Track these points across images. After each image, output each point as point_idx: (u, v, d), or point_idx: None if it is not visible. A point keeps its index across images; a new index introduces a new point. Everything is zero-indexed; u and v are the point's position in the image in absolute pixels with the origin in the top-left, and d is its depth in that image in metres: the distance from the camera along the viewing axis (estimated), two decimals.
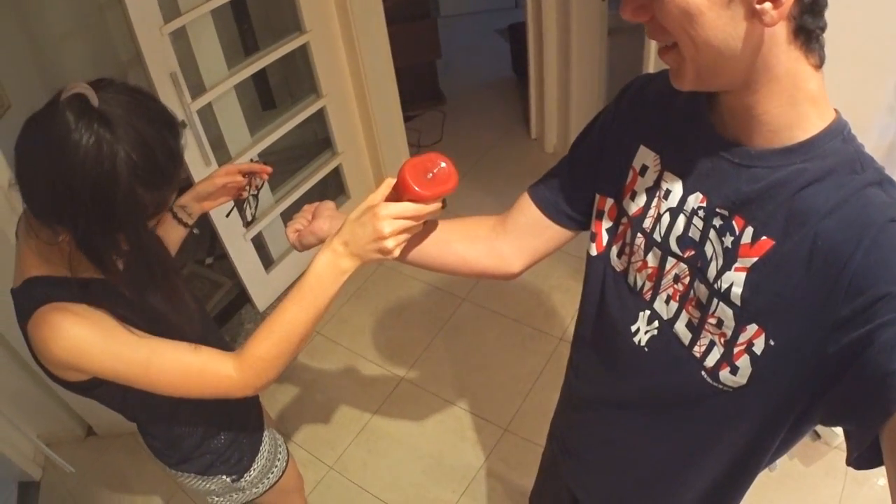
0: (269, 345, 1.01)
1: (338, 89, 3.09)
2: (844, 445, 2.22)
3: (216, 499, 1.46)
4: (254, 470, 1.44)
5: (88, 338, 0.96)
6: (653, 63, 2.46)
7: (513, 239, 1.06)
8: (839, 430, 2.01)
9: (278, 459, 1.53)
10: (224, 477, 1.40)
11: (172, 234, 1.37)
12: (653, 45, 2.38)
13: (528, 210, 1.04)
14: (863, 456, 0.64)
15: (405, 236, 0.94)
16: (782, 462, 2.09)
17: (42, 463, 2.50)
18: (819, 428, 2.12)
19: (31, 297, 0.98)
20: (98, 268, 0.97)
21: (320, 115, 3.11)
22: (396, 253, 0.94)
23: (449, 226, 1.09)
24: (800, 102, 0.68)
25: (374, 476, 2.32)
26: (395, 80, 3.32)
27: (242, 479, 1.43)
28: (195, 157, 2.44)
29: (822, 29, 0.65)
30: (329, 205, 1.22)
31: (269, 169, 1.38)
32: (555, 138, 3.74)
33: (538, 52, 3.51)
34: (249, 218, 1.41)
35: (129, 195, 0.90)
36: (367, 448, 2.41)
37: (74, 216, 0.90)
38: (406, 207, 0.91)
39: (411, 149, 3.78)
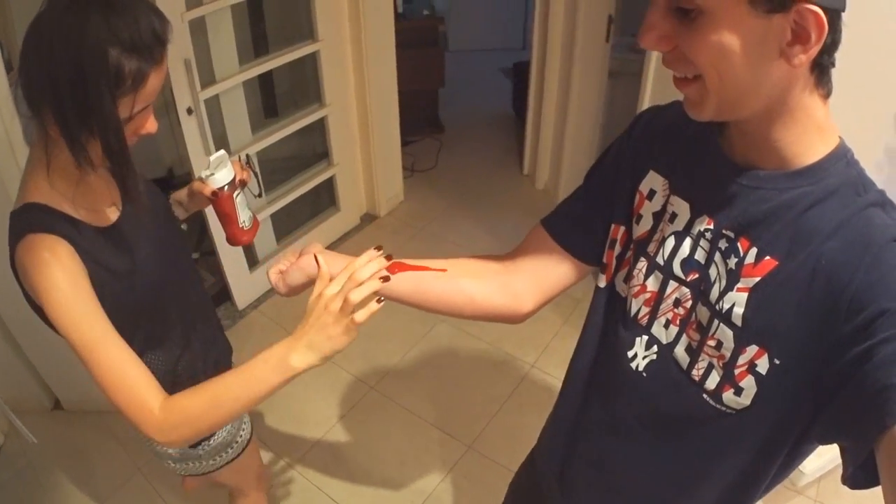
0: (198, 400, 0.98)
1: (341, 101, 3.17)
2: (810, 492, 2.16)
3: (173, 465, 1.46)
4: (213, 440, 1.45)
5: (61, 290, 0.98)
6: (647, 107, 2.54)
7: (526, 274, 1.02)
8: (806, 471, 2.03)
9: (239, 436, 1.54)
10: None
11: None
12: (649, 90, 2.47)
13: (542, 243, 1.01)
14: (858, 473, 0.63)
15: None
16: None
17: (5, 430, 2.46)
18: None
19: (27, 220, 1.00)
20: (72, 151, 0.97)
21: (321, 128, 3.18)
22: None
23: (453, 262, 1.03)
24: (809, 131, 0.70)
25: (334, 479, 2.32)
26: (398, 102, 3.41)
27: (199, 447, 1.44)
28: (197, 147, 2.49)
29: (833, 64, 0.69)
30: (317, 245, 1.13)
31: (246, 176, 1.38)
32: (546, 175, 3.84)
33: (539, 92, 3.64)
34: (256, 192, 1.45)
35: (100, 49, 0.90)
36: (330, 451, 2.41)
37: (52, 88, 0.91)
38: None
39: (405, 172, 3.86)
